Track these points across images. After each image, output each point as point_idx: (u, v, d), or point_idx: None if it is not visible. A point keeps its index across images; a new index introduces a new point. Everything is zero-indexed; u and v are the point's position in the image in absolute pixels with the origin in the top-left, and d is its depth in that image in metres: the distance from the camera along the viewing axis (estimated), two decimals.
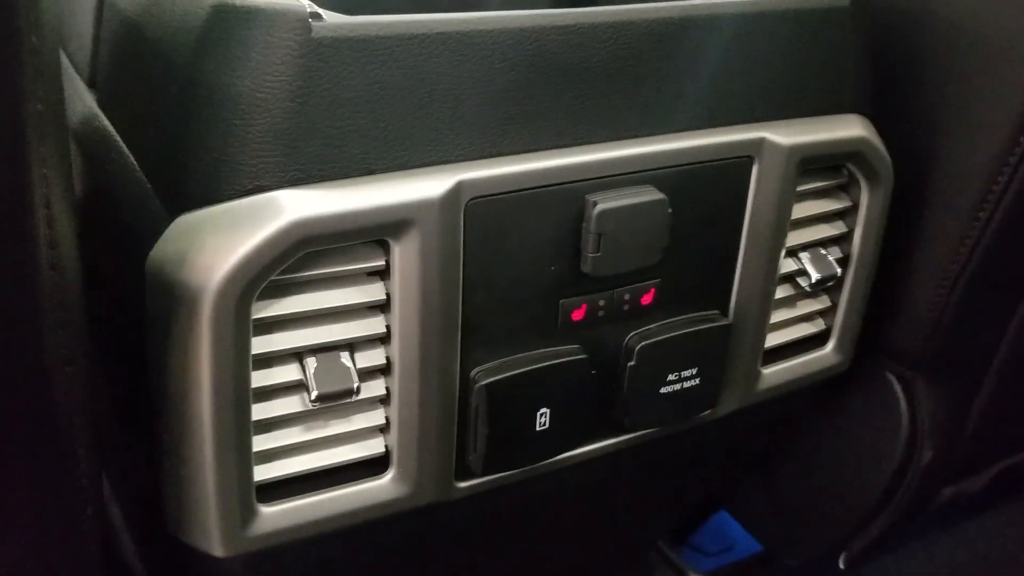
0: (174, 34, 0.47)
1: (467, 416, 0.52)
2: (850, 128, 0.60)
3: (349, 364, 0.49)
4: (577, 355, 0.54)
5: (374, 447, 0.52)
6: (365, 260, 0.48)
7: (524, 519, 0.69)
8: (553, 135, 0.50)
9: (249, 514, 0.49)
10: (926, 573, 0.93)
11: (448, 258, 0.48)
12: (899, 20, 0.67)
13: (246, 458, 0.47)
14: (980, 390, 0.77)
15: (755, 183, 0.57)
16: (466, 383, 0.52)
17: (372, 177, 0.46)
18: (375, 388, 0.50)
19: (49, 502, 0.43)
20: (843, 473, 0.80)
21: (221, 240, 0.44)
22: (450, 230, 0.47)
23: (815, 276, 0.63)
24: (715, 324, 0.58)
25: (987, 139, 0.63)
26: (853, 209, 0.64)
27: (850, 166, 0.62)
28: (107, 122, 0.55)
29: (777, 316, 0.64)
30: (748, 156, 0.56)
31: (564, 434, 0.55)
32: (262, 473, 0.49)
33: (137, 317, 0.48)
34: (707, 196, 0.56)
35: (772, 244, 0.59)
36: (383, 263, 0.48)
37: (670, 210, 0.53)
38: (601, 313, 0.54)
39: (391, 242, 0.47)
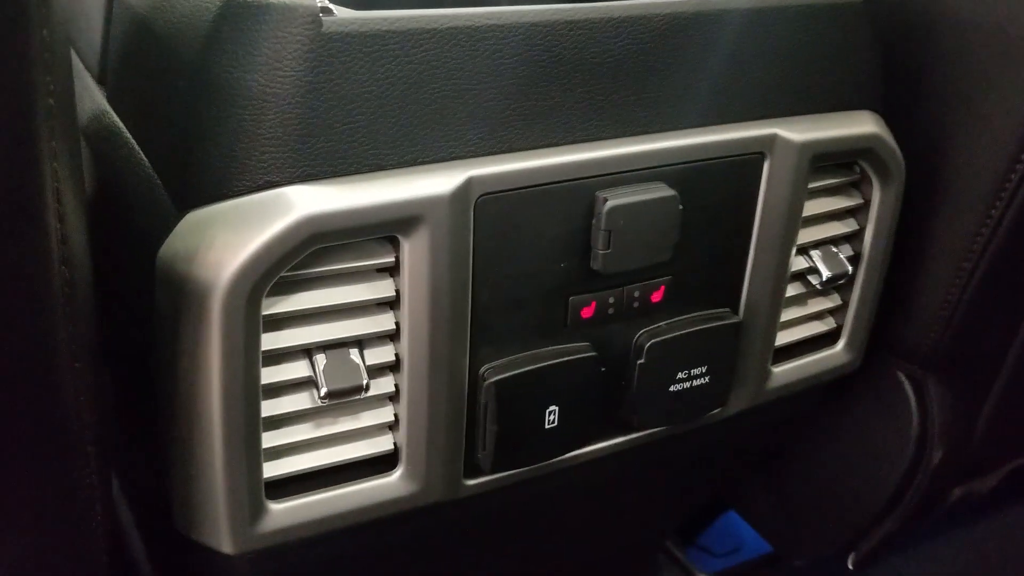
0: (184, 30, 0.47)
1: (476, 413, 0.52)
2: (862, 125, 0.60)
3: (358, 361, 0.48)
4: (586, 353, 0.54)
5: (383, 444, 0.52)
6: (375, 256, 0.48)
7: (532, 517, 0.68)
8: (563, 131, 0.50)
9: (258, 511, 0.48)
10: (935, 573, 0.93)
11: (458, 254, 0.48)
12: (910, 17, 0.66)
13: (255, 455, 0.47)
14: (991, 390, 0.76)
15: (766, 180, 0.56)
16: (475, 380, 0.51)
17: (382, 173, 0.46)
18: (384, 385, 0.50)
19: (58, 500, 0.43)
20: (853, 473, 0.79)
21: (231, 236, 0.44)
22: (460, 226, 0.47)
23: (826, 274, 0.62)
24: (725, 322, 0.58)
25: (999, 136, 0.62)
26: (864, 206, 0.64)
27: (862, 163, 0.62)
28: (116, 118, 0.55)
29: (787, 314, 0.63)
30: (759, 153, 0.56)
31: (572, 432, 0.55)
32: (271, 470, 0.49)
33: (146, 314, 0.48)
34: (718, 193, 0.55)
35: (783, 241, 0.59)
36: (393, 259, 0.48)
37: (681, 207, 0.53)
38: (611, 310, 0.54)
39: (401, 238, 0.47)
